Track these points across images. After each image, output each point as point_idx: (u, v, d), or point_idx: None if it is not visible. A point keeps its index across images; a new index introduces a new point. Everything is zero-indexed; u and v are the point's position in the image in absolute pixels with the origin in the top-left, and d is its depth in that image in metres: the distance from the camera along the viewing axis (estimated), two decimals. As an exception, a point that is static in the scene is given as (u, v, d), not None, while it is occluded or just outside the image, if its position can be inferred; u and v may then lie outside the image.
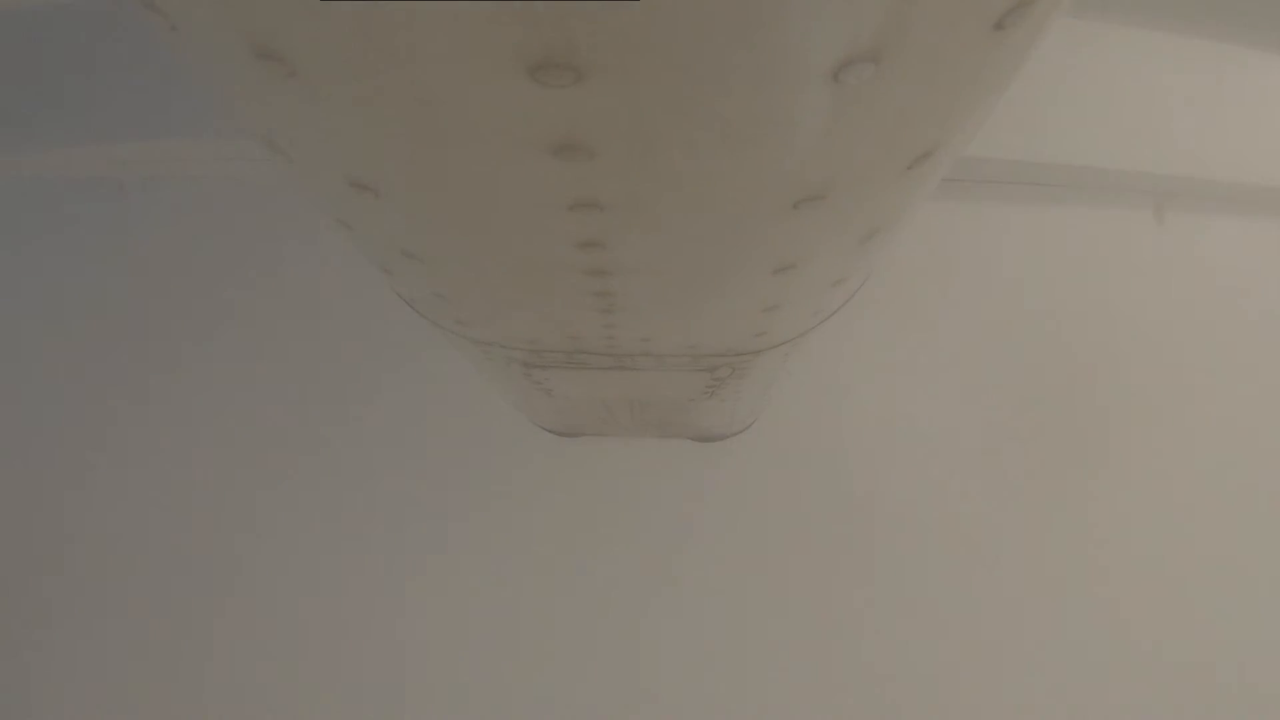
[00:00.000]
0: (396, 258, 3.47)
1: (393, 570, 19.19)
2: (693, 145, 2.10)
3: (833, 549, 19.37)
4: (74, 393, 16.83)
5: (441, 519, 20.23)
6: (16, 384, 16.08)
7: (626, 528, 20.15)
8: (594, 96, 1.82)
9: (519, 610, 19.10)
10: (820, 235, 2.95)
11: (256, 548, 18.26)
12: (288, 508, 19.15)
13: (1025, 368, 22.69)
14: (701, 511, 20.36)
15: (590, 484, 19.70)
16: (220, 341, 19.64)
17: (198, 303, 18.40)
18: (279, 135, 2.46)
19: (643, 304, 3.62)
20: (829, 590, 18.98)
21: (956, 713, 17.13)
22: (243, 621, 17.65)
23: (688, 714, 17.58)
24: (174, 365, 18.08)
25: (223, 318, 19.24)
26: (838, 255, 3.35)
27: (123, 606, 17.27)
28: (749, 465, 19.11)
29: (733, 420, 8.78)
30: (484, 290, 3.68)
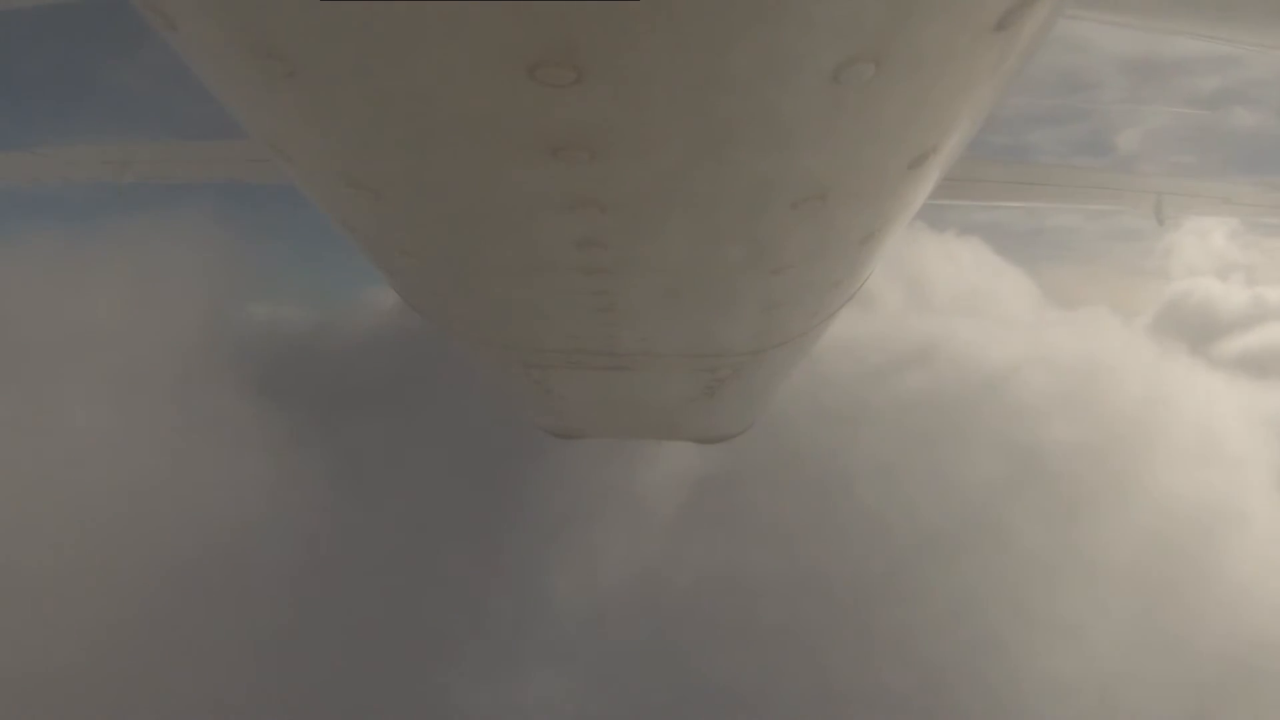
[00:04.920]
0: (397, 257, 3.46)
1: (392, 567, 19.15)
2: (692, 145, 2.10)
3: (831, 548, 19.35)
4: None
5: (443, 518, 20.23)
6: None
7: (625, 527, 20.14)
8: (594, 96, 1.82)
9: (520, 610, 19.08)
10: (820, 235, 2.95)
11: (277, 550, 18.16)
12: (295, 509, 19.13)
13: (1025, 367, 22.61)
14: (700, 510, 20.35)
15: (589, 483, 19.74)
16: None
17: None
18: (279, 134, 2.46)
19: (642, 303, 3.62)
20: (826, 588, 18.95)
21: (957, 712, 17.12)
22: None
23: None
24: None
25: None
26: (837, 256, 3.35)
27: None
28: (749, 464, 19.16)
29: (733, 421, 8.74)
30: (483, 289, 3.67)
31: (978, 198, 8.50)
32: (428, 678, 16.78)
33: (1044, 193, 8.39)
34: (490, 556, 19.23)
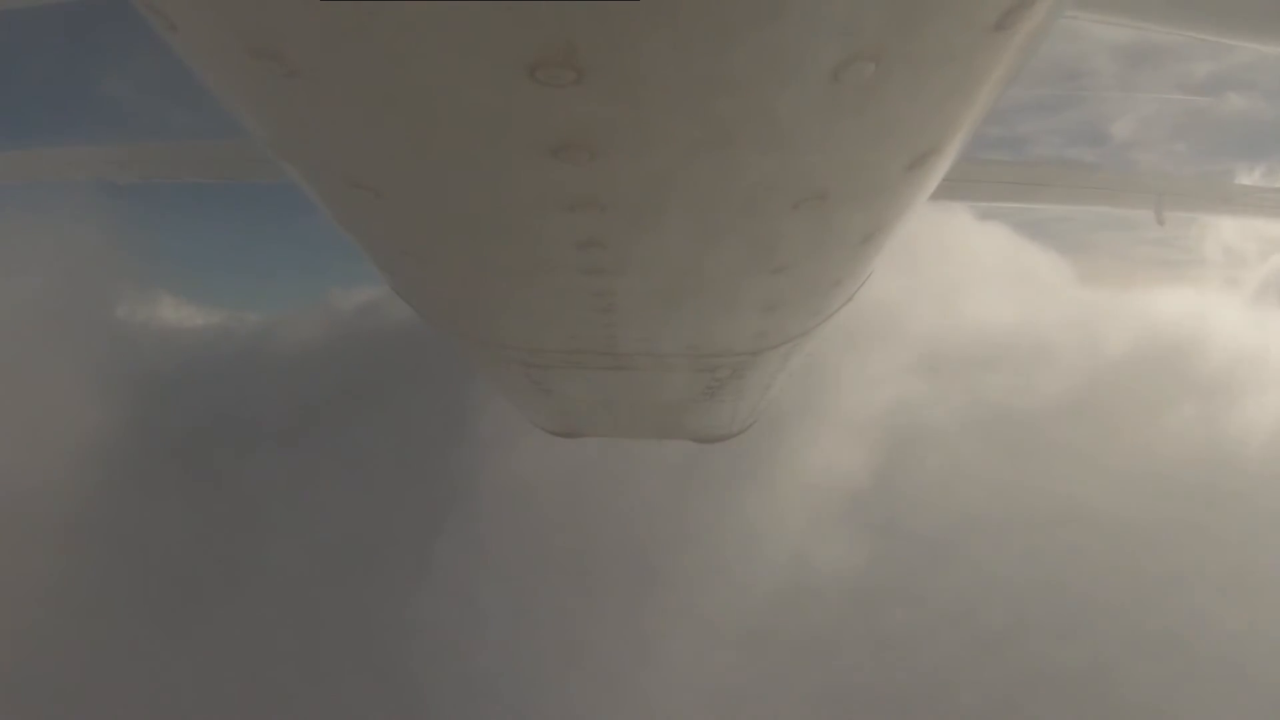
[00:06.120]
0: (396, 257, 3.47)
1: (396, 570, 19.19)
2: (692, 145, 2.10)
3: (829, 548, 19.38)
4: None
5: (444, 517, 20.24)
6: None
7: (624, 525, 20.14)
8: (594, 96, 1.82)
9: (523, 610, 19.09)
10: (819, 235, 2.95)
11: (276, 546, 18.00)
12: (300, 506, 19.13)
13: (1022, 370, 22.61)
14: (700, 509, 20.35)
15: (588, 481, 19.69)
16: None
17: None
18: (279, 135, 2.46)
19: (642, 304, 3.61)
20: (826, 586, 18.98)
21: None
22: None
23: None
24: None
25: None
26: (837, 256, 3.35)
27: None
28: (749, 463, 19.11)
29: (733, 420, 8.74)
30: (483, 289, 3.67)
31: (978, 197, 8.51)
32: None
33: (1044, 193, 8.39)
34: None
